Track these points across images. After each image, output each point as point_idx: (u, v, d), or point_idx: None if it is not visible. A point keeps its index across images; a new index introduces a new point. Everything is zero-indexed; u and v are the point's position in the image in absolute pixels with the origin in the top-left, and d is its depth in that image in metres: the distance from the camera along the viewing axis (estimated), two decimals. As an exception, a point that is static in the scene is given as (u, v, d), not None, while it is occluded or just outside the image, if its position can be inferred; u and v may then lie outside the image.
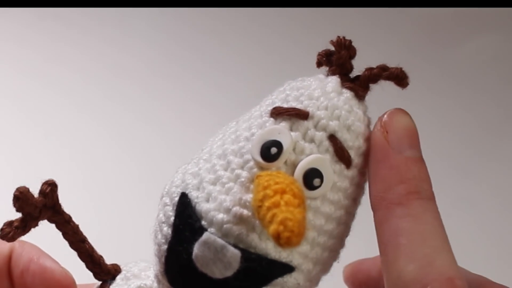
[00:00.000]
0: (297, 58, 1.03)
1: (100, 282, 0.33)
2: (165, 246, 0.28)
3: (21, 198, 0.29)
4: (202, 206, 0.27)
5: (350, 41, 0.31)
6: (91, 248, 0.33)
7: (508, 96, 0.98)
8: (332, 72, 0.31)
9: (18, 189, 0.29)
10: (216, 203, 0.27)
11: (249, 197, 0.27)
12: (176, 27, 1.06)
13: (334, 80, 0.30)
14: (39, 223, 0.31)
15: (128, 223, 0.76)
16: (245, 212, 0.27)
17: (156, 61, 1.01)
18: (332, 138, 0.28)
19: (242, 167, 0.28)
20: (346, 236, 0.31)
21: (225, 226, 0.27)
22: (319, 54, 0.31)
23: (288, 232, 0.24)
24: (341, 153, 0.28)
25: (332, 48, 0.31)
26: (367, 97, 0.31)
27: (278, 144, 0.28)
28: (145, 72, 1.00)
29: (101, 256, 0.33)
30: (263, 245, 0.27)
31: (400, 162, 0.28)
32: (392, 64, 0.31)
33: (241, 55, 1.02)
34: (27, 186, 0.30)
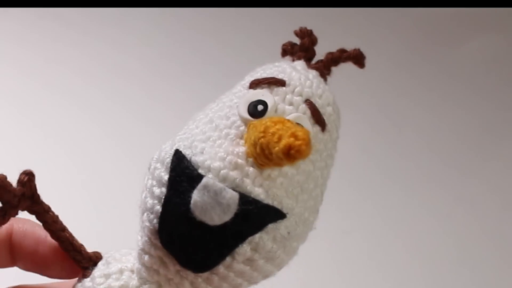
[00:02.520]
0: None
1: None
2: (158, 206, 0.29)
3: (1, 186, 0.29)
4: (198, 157, 0.29)
5: (311, 30, 0.35)
6: (71, 236, 0.33)
7: (508, 96, 0.98)
8: (297, 57, 0.34)
9: None
10: (211, 154, 0.29)
11: (241, 149, 0.29)
12: (176, 27, 1.06)
13: (301, 63, 0.33)
14: (18, 212, 0.31)
15: (128, 222, 0.76)
16: (239, 160, 0.29)
17: (156, 61, 1.01)
18: (308, 102, 0.31)
19: (229, 127, 0.30)
20: (320, 204, 0.32)
21: (222, 171, 0.28)
22: (284, 45, 0.35)
23: (299, 141, 0.25)
24: (317, 116, 0.31)
25: (295, 41, 0.35)
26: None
27: (263, 103, 0.30)
28: (145, 72, 1.00)
29: (81, 244, 0.33)
30: (257, 190, 0.28)
31: None
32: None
33: (241, 55, 1.02)
34: (4, 174, 0.30)
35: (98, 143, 0.89)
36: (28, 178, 0.31)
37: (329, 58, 0.34)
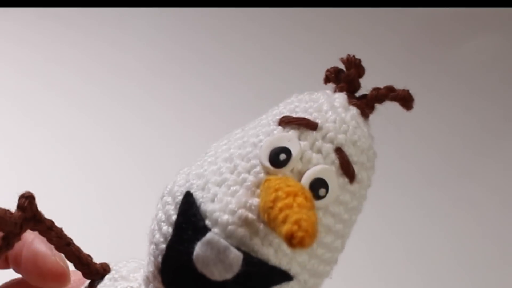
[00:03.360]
0: (297, 58, 1.03)
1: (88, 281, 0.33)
2: (164, 245, 0.28)
3: (2, 223, 0.28)
4: (208, 206, 0.27)
5: (360, 60, 0.31)
6: (77, 249, 0.32)
7: (508, 96, 0.98)
8: (339, 89, 0.31)
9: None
10: (222, 204, 0.27)
11: (255, 201, 0.27)
12: (176, 27, 1.06)
13: (342, 97, 0.30)
14: (21, 237, 0.30)
15: (128, 222, 0.76)
16: (250, 215, 0.27)
17: (156, 61, 1.01)
18: (339, 151, 0.28)
19: (248, 172, 0.28)
20: (340, 253, 0.30)
21: (229, 227, 0.27)
22: (327, 71, 0.31)
23: (302, 232, 0.24)
24: (346, 167, 0.28)
25: (341, 66, 0.31)
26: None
27: (287, 151, 0.28)
28: (145, 72, 1.00)
29: (88, 256, 0.32)
30: (265, 250, 0.27)
31: None
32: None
33: (241, 55, 1.02)
34: (3, 207, 0.29)
35: (98, 143, 0.89)
36: (28, 202, 0.29)
37: (374, 96, 0.31)
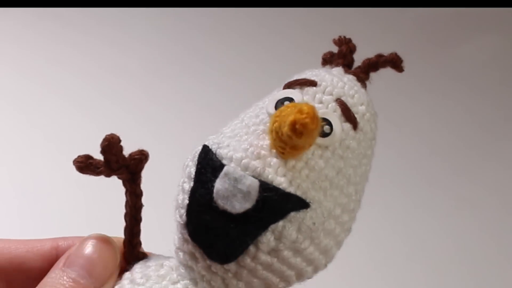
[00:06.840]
0: (297, 58, 1.03)
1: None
2: (187, 200, 0.30)
3: (110, 144, 0.31)
4: (223, 150, 0.30)
5: (350, 39, 0.34)
6: (138, 232, 0.33)
7: (507, 96, 0.98)
8: (336, 65, 0.34)
9: (111, 135, 0.31)
10: (236, 146, 0.29)
11: (265, 142, 0.29)
12: (176, 27, 1.06)
13: (338, 69, 0.33)
14: (111, 175, 0.32)
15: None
16: (263, 152, 0.29)
17: (156, 61, 1.01)
18: (339, 100, 0.31)
19: (258, 124, 0.30)
20: (356, 206, 0.32)
21: (243, 161, 0.29)
22: (324, 54, 0.34)
23: (304, 115, 0.26)
24: (347, 113, 0.31)
25: (335, 50, 0.34)
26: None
27: (290, 99, 0.30)
28: (144, 72, 1.00)
29: (139, 243, 0.33)
30: (279, 179, 0.29)
31: None
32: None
33: (241, 55, 1.02)
34: (119, 137, 0.31)
35: (98, 143, 0.89)
36: (139, 158, 0.32)
37: (366, 63, 0.34)
